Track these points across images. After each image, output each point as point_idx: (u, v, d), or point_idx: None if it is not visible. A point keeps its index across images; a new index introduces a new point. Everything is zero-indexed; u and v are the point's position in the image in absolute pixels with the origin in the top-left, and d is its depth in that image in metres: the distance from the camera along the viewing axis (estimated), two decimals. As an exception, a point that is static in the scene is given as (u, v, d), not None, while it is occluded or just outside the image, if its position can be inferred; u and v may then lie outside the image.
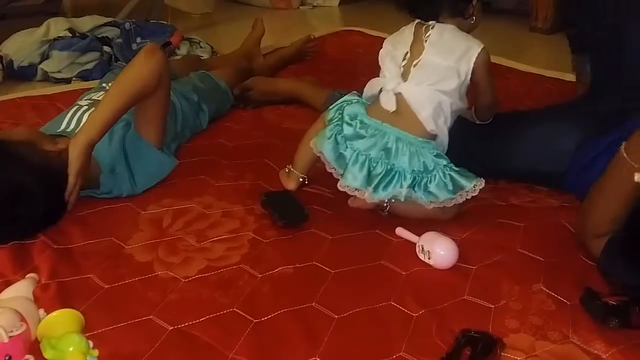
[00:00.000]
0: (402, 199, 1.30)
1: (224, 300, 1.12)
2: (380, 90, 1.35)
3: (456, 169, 1.31)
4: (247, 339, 1.02)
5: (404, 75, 1.32)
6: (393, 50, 1.36)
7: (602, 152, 1.20)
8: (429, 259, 1.21)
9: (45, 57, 2.31)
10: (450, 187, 1.29)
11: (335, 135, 1.35)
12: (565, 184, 1.44)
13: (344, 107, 1.38)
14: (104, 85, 1.73)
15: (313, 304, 1.11)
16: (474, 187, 1.30)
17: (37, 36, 2.34)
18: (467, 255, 1.23)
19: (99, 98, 1.61)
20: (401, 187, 1.29)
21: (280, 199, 1.41)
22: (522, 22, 3.15)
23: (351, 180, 1.31)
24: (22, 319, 0.98)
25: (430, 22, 1.34)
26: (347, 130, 1.34)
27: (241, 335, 1.03)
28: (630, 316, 1.03)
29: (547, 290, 1.15)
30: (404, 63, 1.33)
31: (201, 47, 2.61)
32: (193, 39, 2.63)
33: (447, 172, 1.30)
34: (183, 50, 2.54)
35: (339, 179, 1.33)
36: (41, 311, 1.04)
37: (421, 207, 1.31)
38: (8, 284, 1.12)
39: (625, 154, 1.14)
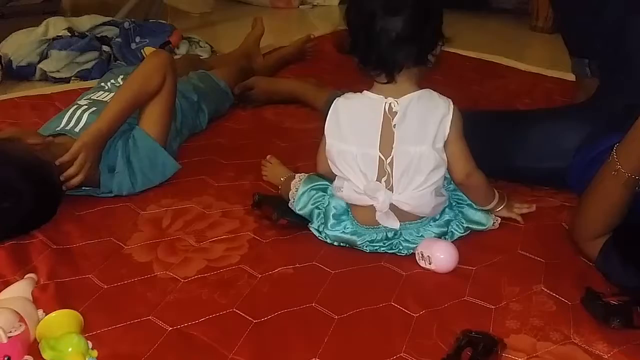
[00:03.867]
0: None
1: (224, 300, 1.11)
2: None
3: (465, 207, 1.30)
4: (246, 339, 1.02)
5: (387, 183, 1.19)
6: (348, 148, 1.19)
7: (604, 151, 1.19)
8: (429, 264, 1.20)
9: (44, 56, 2.31)
10: (469, 228, 1.30)
11: (332, 243, 1.28)
12: (569, 183, 1.43)
13: (326, 223, 1.27)
14: (102, 84, 1.73)
15: (313, 304, 1.11)
16: (493, 224, 1.32)
17: (36, 35, 2.34)
18: (468, 256, 1.23)
19: (98, 98, 1.62)
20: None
21: (275, 199, 1.40)
22: (522, 22, 3.15)
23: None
24: (21, 320, 0.98)
25: (391, 102, 1.17)
26: (348, 241, 1.26)
27: (241, 336, 1.03)
28: (632, 316, 1.03)
29: (547, 291, 1.14)
30: (384, 177, 1.18)
31: (200, 47, 2.60)
32: (192, 39, 2.63)
33: (461, 224, 1.29)
34: (182, 49, 2.53)
35: None
36: (40, 312, 1.04)
37: None
38: (7, 284, 1.12)
39: (615, 155, 1.14)
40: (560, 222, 1.37)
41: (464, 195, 1.31)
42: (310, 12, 3.63)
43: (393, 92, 1.18)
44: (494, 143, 1.48)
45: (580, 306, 1.09)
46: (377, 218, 1.21)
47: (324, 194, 1.30)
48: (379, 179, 1.19)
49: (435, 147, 1.18)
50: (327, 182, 1.31)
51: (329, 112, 1.23)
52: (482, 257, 1.25)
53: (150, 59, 1.55)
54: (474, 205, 1.31)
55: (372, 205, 1.20)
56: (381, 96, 1.18)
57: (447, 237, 1.27)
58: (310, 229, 1.31)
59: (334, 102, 1.23)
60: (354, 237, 1.25)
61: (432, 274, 1.20)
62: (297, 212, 1.32)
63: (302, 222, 1.33)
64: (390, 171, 1.18)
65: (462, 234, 1.29)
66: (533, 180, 1.52)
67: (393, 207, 1.21)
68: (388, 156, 1.18)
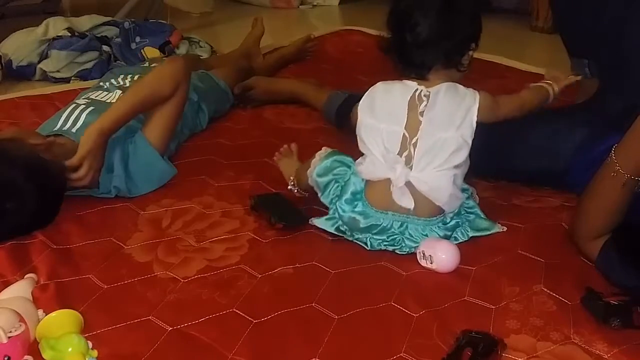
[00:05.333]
0: None
1: (224, 300, 1.11)
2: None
3: (472, 215, 1.30)
4: (246, 339, 1.02)
5: (407, 161, 1.21)
6: (377, 125, 1.22)
7: (604, 151, 1.20)
8: (431, 263, 1.20)
9: (44, 56, 2.31)
10: (473, 235, 1.30)
11: (338, 226, 1.30)
12: (569, 183, 1.43)
13: (340, 196, 1.29)
14: (101, 84, 1.73)
15: (313, 304, 1.11)
16: (498, 231, 1.32)
17: (36, 35, 2.33)
18: (468, 256, 1.23)
19: (97, 97, 1.62)
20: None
21: (272, 201, 1.40)
22: (522, 22, 3.15)
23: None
24: (21, 320, 0.98)
25: (422, 89, 1.21)
26: (352, 224, 1.27)
27: (241, 336, 1.03)
28: (632, 316, 1.03)
29: (547, 291, 1.14)
30: (405, 152, 1.21)
31: (200, 47, 2.60)
32: (192, 39, 2.62)
33: (466, 232, 1.29)
34: (182, 49, 2.53)
35: None
36: (40, 312, 1.04)
37: None
38: (7, 284, 1.12)
39: (614, 156, 1.14)
40: (560, 222, 1.37)
41: (473, 203, 1.32)
42: (310, 12, 3.63)
43: (425, 85, 1.23)
44: (494, 143, 1.48)
45: (580, 306, 1.09)
46: (392, 194, 1.21)
47: (347, 169, 1.31)
48: (400, 154, 1.21)
49: (460, 133, 1.21)
50: (351, 160, 1.32)
51: (367, 92, 1.27)
52: (482, 257, 1.25)
53: (167, 65, 1.54)
54: (481, 215, 1.32)
55: (388, 184, 1.21)
56: (414, 83, 1.24)
57: (450, 239, 1.27)
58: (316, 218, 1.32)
59: (374, 85, 1.27)
60: (361, 218, 1.25)
61: (432, 274, 1.20)
62: (316, 178, 1.33)
63: (299, 225, 1.33)
64: (412, 150, 1.21)
65: (464, 240, 1.29)
66: (533, 180, 1.52)
67: (410, 188, 1.21)
68: (413, 136, 1.21)
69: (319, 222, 1.32)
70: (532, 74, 2.38)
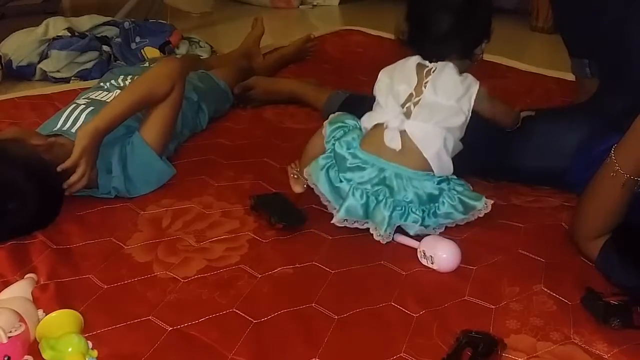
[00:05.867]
0: (412, 233, 1.28)
1: (224, 300, 1.11)
2: (376, 125, 1.32)
3: (460, 187, 1.31)
4: (246, 339, 1.02)
5: (407, 114, 1.29)
6: (391, 84, 1.32)
7: (604, 151, 1.20)
8: (432, 263, 1.20)
9: (44, 56, 2.31)
10: (461, 209, 1.30)
11: (328, 167, 1.32)
12: (569, 183, 1.43)
13: (340, 137, 1.34)
14: (102, 84, 1.73)
15: (313, 304, 1.11)
16: (485, 204, 1.32)
17: (36, 35, 2.33)
18: (468, 256, 1.23)
19: (97, 97, 1.61)
20: (406, 220, 1.27)
21: (272, 201, 1.40)
22: (522, 22, 3.14)
23: (349, 214, 1.27)
24: (21, 320, 0.98)
25: (432, 65, 1.30)
26: (341, 162, 1.31)
27: (241, 336, 1.03)
28: (632, 316, 1.03)
29: (548, 291, 1.14)
30: (407, 105, 1.29)
31: (200, 47, 2.60)
32: (192, 39, 2.62)
33: (454, 196, 1.30)
34: (182, 49, 2.53)
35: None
36: (40, 311, 1.04)
37: None
38: (7, 284, 1.12)
39: (613, 156, 1.14)
40: (560, 222, 1.37)
41: (463, 182, 1.33)
42: (310, 12, 3.63)
43: None
44: (494, 142, 1.48)
45: (580, 306, 1.09)
46: (384, 135, 1.28)
47: (356, 124, 1.38)
48: (402, 106, 1.30)
49: (460, 104, 1.29)
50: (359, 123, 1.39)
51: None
52: (482, 257, 1.25)
53: (163, 65, 1.55)
54: (467, 187, 1.33)
55: (383, 131, 1.28)
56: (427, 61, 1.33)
57: (437, 204, 1.28)
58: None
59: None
60: (349, 157, 1.30)
61: (432, 273, 1.20)
62: (327, 125, 1.38)
63: (299, 225, 1.33)
64: (413, 106, 1.29)
65: (451, 212, 1.29)
66: (533, 179, 1.52)
67: (403, 137, 1.27)
68: (418, 97, 1.29)
69: (313, 164, 1.34)
70: (532, 74, 2.39)
